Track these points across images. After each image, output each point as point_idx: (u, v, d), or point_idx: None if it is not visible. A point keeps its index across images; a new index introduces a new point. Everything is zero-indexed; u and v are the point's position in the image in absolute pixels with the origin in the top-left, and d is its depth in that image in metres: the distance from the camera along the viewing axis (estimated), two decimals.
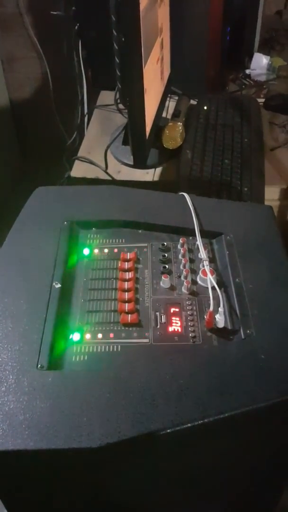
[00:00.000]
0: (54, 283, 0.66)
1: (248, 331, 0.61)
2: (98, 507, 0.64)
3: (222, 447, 0.60)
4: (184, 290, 0.67)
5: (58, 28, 1.54)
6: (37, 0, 1.59)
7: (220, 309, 0.62)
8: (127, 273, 0.69)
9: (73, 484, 0.58)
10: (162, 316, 0.64)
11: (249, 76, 1.45)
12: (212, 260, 0.71)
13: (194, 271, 0.70)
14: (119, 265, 0.70)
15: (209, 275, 0.66)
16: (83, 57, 1.37)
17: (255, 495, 0.75)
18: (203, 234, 0.74)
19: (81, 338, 0.62)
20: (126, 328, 0.63)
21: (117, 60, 0.84)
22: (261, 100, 1.33)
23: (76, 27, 1.31)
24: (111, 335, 0.62)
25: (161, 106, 1.14)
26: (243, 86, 1.42)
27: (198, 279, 0.69)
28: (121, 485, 0.60)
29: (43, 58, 1.70)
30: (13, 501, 0.60)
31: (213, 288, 0.66)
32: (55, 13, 1.45)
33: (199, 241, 0.72)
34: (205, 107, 1.24)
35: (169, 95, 1.28)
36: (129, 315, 0.63)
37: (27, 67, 1.75)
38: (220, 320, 0.62)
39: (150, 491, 0.63)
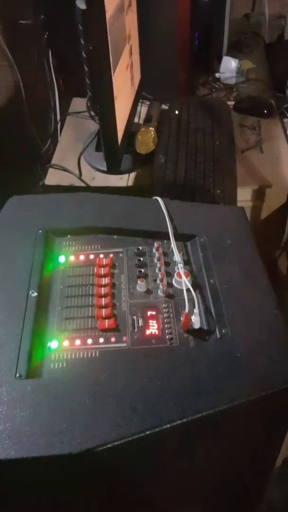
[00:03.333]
0: (30, 292, 0.66)
1: (223, 331, 0.62)
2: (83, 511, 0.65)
3: (203, 446, 0.61)
4: (160, 293, 0.68)
5: (28, 37, 1.54)
6: (6, 9, 1.59)
7: (196, 311, 0.64)
8: (103, 278, 0.70)
9: (56, 490, 0.58)
10: (139, 320, 0.65)
11: (218, 79, 1.48)
12: (186, 262, 0.73)
13: (169, 274, 0.71)
14: (95, 271, 0.71)
15: (183, 277, 0.67)
16: (54, 65, 1.38)
17: (239, 491, 0.76)
18: (177, 237, 0.75)
19: (59, 346, 0.62)
20: (104, 333, 0.64)
21: (86, 68, 0.84)
22: (231, 103, 1.35)
23: (46, 36, 1.32)
24: (89, 341, 0.63)
25: (133, 111, 1.15)
26: (213, 90, 1.44)
27: (173, 282, 0.70)
28: (104, 489, 0.60)
29: (14, 66, 1.70)
30: None
31: (188, 290, 0.67)
32: (24, 22, 1.45)
33: (173, 244, 0.73)
34: (177, 112, 1.26)
35: (140, 101, 1.29)
36: (106, 320, 0.64)
37: None
38: (196, 321, 0.63)
39: (133, 493, 0.63)
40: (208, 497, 0.75)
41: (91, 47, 0.81)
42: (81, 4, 0.78)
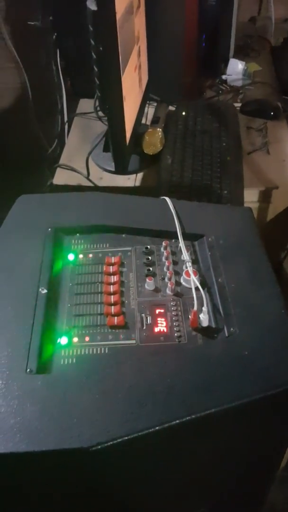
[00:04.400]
0: (40, 289, 0.67)
1: (231, 329, 0.62)
2: (91, 507, 0.65)
3: (210, 444, 0.61)
4: (168, 291, 0.69)
5: (36, 38, 1.55)
6: (14, 11, 1.60)
7: (204, 309, 0.64)
8: (112, 276, 0.70)
9: (65, 485, 0.59)
10: (148, 318, 0.65)
11: (225, 81, 1.48)
12: (194, 261, 0.73)
13: (177, 273, 0.71)
14: (104, 269, 0.71)
15: (192, 276, 0.68)
16: (61, 66, 1.39)
17: (243, 491, 0.76)
18: (185, 237, 0.75)
19: (68, 342, 0.63)
20: (113, 330, 0.64)
21: (96, 69, 0.85)
22: (237, 105, 1.36)
23: (54, 37, 1.33)
24: (98, 337, 0.63)
25: (140, 113, 1.16)
26: (220, 92, 1.45)
27: (182, 281, 0.70)
28: (112, 484, 0.61)
29: (22, 68, 1.71)
30: (6, 503, 0.61)
31: (196, 288, 0.67)
32: (32, 23, 1.46)
33: (181, 244, 0.74)
34: (184, 113, 1.27)
35: (148, 102, 1.30)
36: (116, 317, 0.65)
37: (6, 77, 1.75)
38: (204, 319, 0.63)
39: (141, 488, 0.64)
40: (212, 496, 0.76)
41: (101, 48, 0.82)
42: (91, 5, 0.79)
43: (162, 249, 0.75)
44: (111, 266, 0.71)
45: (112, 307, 0.66)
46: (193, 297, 0.66)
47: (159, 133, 1.14)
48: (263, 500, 0.87)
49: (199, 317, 0.63)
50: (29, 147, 1.71)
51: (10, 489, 0.58)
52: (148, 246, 0.75)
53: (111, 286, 0.69)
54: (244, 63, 1.48)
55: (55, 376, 0.59)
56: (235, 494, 0.77)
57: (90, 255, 0.74)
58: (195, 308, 0.65)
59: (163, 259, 0.73)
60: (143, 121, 1.26)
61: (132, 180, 1.14)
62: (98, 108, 1.02)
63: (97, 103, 0.98)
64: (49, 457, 0.53)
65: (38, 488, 0.59)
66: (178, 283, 0.70)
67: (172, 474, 0.64)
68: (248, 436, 0.63)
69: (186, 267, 0.70)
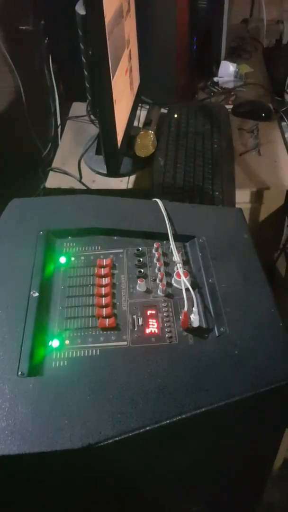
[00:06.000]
0: (32, 292, 0.67)
1: (222, 329, 0.63)
2: (84, 507, 0.65)
3: (202, 442, 0.62)
4: (159, 292, 0.69)
5: (28, 42, 1.56)
6: (7, 15, 1.61)
7: (195, 309, 0.65)
8: (103, 279, 0.71)
9: (58, 486, 0.59)
10: (139, 319, 0.66)
11: (217, 83, 1.49)
12: (186, 262, 0.74)
13: (169, 274, 0.72)
14: (96, 271, 0.72)
15: (182, 277, 0.69)
16: (54, 70, 1.39)
17: (238, 489, 0.77)
18: (176, 238, 0.76)
19: (60, 344, 0.63)
20: (104, 332, 0.65)
21: (86, 73, 0.86)
22: (229, 107, 1.36)
23: (46, 41, 1.33)
24: (90, 339, 0.64)
25: (132, 115, 1.17)
26: (212, 94, 1.46)
27: (173, 282, 0.71)
28: (105, 484, 0.61)
29: (15, 72, 1.72)
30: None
31: (187, 289, 0.68)
32: (24, 27, 1.47)
33: (172, 245, 0.74)
34: (176, 115, 1.27)
35: (140, 105, 1.31)
36: (107, 319, 0.65)
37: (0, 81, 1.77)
38: (195, 319, 0.64)
39: (135, 488, 0.64)
40: (207, 495, 0.76)
41: (90, 52, 0.82)
42: (80, 10, 0.79)
43: (153, 250, 0.75)
44: (102, 268, 0.72)
45: (104, 309, 0.66)
46: (183, 298, 0.67)
47: (151, 136, 1.15)
48: (259, 498, 0.87)
49: (189, 318, 0.64)
50: (23, 150, 1.72)
51: (3, 491, 0.59)
52: (140, 248, 0.75)
53: (103, 288, 0.69)
54: (235, 65, 1.49)
55: (46, 379, 0.59)
56: (230, 491, 0.77)
57: (82, 258, 0.74)
58: (186, 308, 0.65)
59: (155, 260, 0.74)
60: (135, 123, 1.26)
61: (124, 182, 1.14)
62: (90, 112, 1.03)
63: (89, 107, 0.99)
64: (41, 459, 0.53)
65: (31, 489, 0.59)
66: (169, 284, 0.70)
67: (165, 473, 0.64)
68: (240, 434, 0.64)
69: (177, 268, 0.70)
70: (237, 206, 1.02)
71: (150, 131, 1.16)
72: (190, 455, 0.63)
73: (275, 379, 0.58)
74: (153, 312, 0.67)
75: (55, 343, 0.63)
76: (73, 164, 1.17)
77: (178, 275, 0.69)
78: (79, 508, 0.65)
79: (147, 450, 0.58)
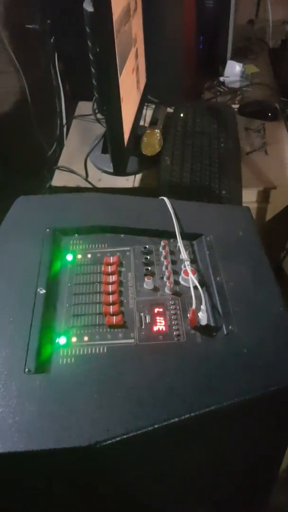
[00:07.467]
0: (38, 289, 0.67)
1: (230, 328, 0.62)
2: (90, 505, 0.65)
3: (210, 442, 0.61)
4: (167, 290, 0.69)
5: (34, 41, 1.56)
6: (12, 14, 1.60)
7: (203, 307, 0.64)
8: (110, 276, 0.70)
9: (64, 484, 0.58)
10: (147, 317, 0.65)
11: (223, 83, 1.49)
12: (193, 261, 0.73)
13: (176, 272, 0.71)
14: (103, 269, 0.71)
15: (190, 275, 0.68)
16: (60, 69, 1.39)
17: (245, 490, 0.76)
18: (184, 236, 0.75)
19: (67, 342, 0.62)
20: (112, 329, 0.64)
21: (93, 70, 0.86)
22: (236, 106, 1.36)
23: (52, 40, 1.33)
24: (97, 337, 0.63)
25: (139, 114, 1.16)
26: (218, 93, 1.45)
27: (180, 280, 0.70)
28: (112, 483, 0.60)
29: (21, 72, 1.72)
30: (5, 503, 0.60)
31: (195, 287, 0.67)
32: (30, 26, 1.47)
33: (180, 243, 0.74)
34: (182, 115, 1.27)
35: (146, 104, 1.30)
36: (114, 316, 0.65)
37: (5, 81, 1.76)
38: (203, 317, 0.63)
39: (141, 487, 0.64)
40: (213, 495, 0.75)
41: (98, 49, 0.82)
42: (88, 7, 0.79)
43: (160, 248, 0.75)
44: (109, 266, 0.71)
45: (111, 306, 0.66)
46: (191, 296, 0.66)
47: (157, 134, 1.15)
48: (266, 500, 0.87)
49: (197, 316, 0.63)
50: (28, 149, 1.71)
51: (9, 488, 0.58)
52: (147, 246, 0.75)
53: (110, 285, 0.69)
54: (241, 64, 1.49)
55: (53, 376, 0.59)
56: (236, 493, 0.76)
57: (89, 255, 0.74)
58: (194, 306, 0.64)
59: (162, 258, 0.73)
60: (142, 123, 1.26)
61: (131, 181, 1.14)
62: (97, 110, 1.02)
63: (95, 105, 0.98)
64: (48, 456, 0.52)
65: (37, 487, 0.58)
66: (176, 282, 0.70)
67: (172, 472, 0.63)
68: (248, 434, 0.63)
69: (185, 266, 0.70)
70: (243, 205, 1.02)
71: (156, 130, 1.16)
72: (198, 454, 0.62)
73: (284, 378, 0.57)
74: (161, 310, 0.66)
75: (62, 340, 0.63)
76: (79, 163, 1.17)
77: (186, 273, 0.69)
78: (85, 507, 0.64)
79: (154, 449, 0.58)
